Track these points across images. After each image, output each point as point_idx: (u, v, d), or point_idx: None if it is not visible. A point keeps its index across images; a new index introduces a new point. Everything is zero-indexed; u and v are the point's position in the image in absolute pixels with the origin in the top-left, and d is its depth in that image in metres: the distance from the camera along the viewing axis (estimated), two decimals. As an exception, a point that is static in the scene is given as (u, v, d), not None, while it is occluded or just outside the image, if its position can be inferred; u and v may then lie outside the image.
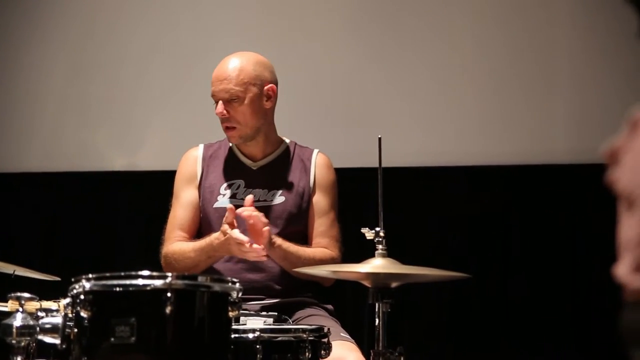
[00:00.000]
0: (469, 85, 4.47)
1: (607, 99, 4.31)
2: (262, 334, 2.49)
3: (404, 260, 2.67)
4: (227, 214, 3.08)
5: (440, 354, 4.39)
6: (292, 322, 3.06)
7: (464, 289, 4.24)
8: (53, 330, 2.29)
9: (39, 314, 2.35)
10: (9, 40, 4.77)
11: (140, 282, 2.20)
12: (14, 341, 2.27)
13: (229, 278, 2.33)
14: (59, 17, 4.76)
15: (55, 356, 2.39)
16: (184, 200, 3.35)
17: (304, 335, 2.54)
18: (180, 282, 2.20)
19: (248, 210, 3.05)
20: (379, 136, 2.77)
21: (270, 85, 3.30)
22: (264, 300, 3.21)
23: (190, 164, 3.39)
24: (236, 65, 3.27)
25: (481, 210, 4.41)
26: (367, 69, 4.53)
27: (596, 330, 4.21)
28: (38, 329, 2.29)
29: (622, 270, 1.01)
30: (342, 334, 3.07)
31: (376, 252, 2.64)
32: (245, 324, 2.59)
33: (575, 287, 4.31)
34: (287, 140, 3.43)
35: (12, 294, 2.34)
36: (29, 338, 2.29)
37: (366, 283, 2.63)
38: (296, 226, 3.30)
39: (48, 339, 2.30)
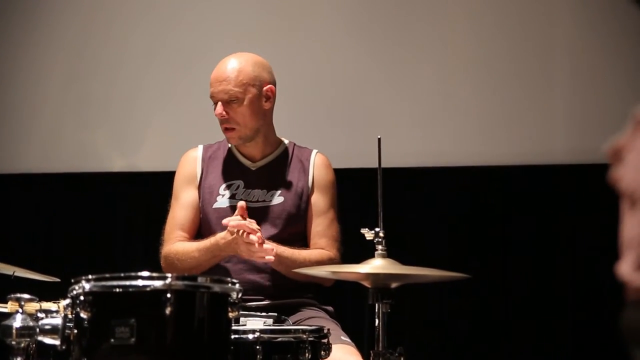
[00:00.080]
0: (469, 86, 4.47)
1: (607, 99, 4.31)
2: (262, 335, 2.48)
3: (403, 261, 2.66)
4: (236, 212, 3.08)
5: (440, 354, 4.39)
6: (292, 323, 3.05)
7: (463, 290, 4.23)
8: (53, 331, 2.29)
9: (39, 315, 2.35)
10: (7, 40, 4.77)
11: (140, 283, 2.20)
12: (13, 342, 2.27)
13: (229, 279, 2.32)
14: (58, 18, 4.76)
15: (55, 357, 2.39)
16: (184, 200, 3.35)
17: (304, 336, 2.54)
18: (180, 283, 2.20)
19: (235, 220, 3.06)
20: (379, 137, 2.77)
21: (269, 85, 3.30)
22: (264, 301, 3.21)
23: (189, 165, 3.39)
24: (235, 66, 3.27)
25: (481, 210, 4.41)
26: (367, 69, 4.53)
27: (597, 330, 4.21)
28: (38, 330, 2.29)
29: (625, 268, 1.00)
30: (342, 337, 3.06)
31: (376, 252, 2.64)
32: (245, 325, 2.59)
33: (575, 287, 4.31)
34: (286, 141, 3.43)
35: (12, 295, 2.34)
36: (28, 339, 2.29)
37: (366, 283, 2.63)
38: (295, 226, 3.30)
39: (48, 340, 2.30)
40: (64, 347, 2.28)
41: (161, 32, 4.69)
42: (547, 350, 4.29)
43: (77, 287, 2.23)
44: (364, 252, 2.69)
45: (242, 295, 2.32)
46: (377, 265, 2.61)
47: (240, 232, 3.05)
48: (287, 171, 3.35)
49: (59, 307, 2.41)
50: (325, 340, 2.58)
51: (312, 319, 3.17)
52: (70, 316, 2.26)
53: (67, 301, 2.27)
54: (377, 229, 2.65)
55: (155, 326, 2.17)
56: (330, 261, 3.24)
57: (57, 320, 2.29)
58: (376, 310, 2.60)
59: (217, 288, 2.26)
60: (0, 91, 4.78)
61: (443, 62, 4.49)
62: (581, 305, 4.29)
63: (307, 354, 2.51)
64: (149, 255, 3.57)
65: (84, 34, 4.73)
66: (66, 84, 4.73)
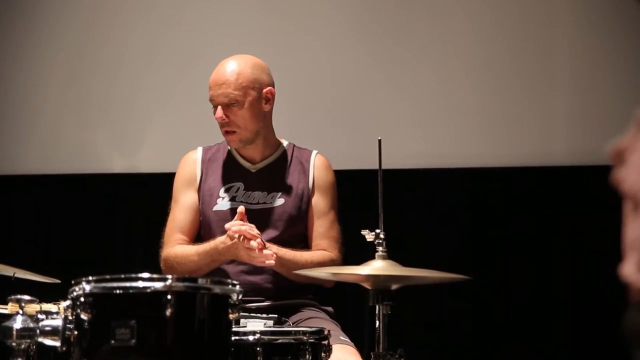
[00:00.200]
0: (470, 87, 4.47)
1: (608, 99, 4.31)
2: (262, 336, 2.48)
3: (404, 263, 2.66)
4: (236, 217, 3.08)
5: (440, 356, 4.39)
6: (292, 324, 3.05)
7: (464, 291, 4.23)
8: (53, 332, 2.28)
9: (39, 316, 2.34)
10: (7, 41, 4.77)
11: (140, 284, 2.20)
12: (14, 344, 2.26)
13: (229, 280, 2.32)
14: (58, 18, 4.75)
15: (56, 359, 2.38)
16: (184, 203, 3.35)
17: (304, 338, 2.54)
18: (180, 284, 2.20)
19: (236, 225, 3.06)
20: (379, 138, 2.77)
21: (268, 88, 3.30)
22: (264, 302, 3.20)
23: (189, 167, 3.39)
24: (234, 69, 3.26)
25: (482, 212, 4.41)
26: (368, 70, 4.53)
27: (597, 331, 4.21)
28: (38, 331, 2.28)
29: (628, 270, 1.00)
30: (341, 338, 3.06)
31: (376, 254, 2.64)
32: (245, 326, 2.59)
33: (576, 288, 4.31)
34: (285, 142, 3.42)
35: (12, 297, 2.34)
36: (29, 340, 2.28)
37: (366, 285, 2.62)
38: (296, 228, 3.29)
39: (48, 342, 2.30)
40: (64, 349, 2.27)
41: (161, 32, 4.69)
42: (547, 351, 4.29)
43: (77, 289, 2.22)
44: (365, 253, 2.69)
45: (242, 296, 2.32)
46: (377, 266, 2.60)
47: (241, 237, 3.05)
48: (287, 173, 3.35)
49: (59, 309, 2.40)
50: (325, 342, 2.58)
51: (311, 319, 3.17)
52: (70, 317, 2.25)
53: (68, 302, 2.27)
54: (377, 231, 2.65)
55: (155, 327, 2.17)
56: (331, 262, 3.24)
57: (58, 322, 2.29)
58: (376, 311, 2.59)
59: (217, 289, 2.26)
60: (0, 92, 4.78)
61: (443, 62, 4.49)
62: (582, 307, 4.28)
63: (307, 356, 2.51)
64: (149, 256, 3.57)
65: (84, 35, 4.73)
66: (66, 85, 4.73)
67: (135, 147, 4.69)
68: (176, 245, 3.29)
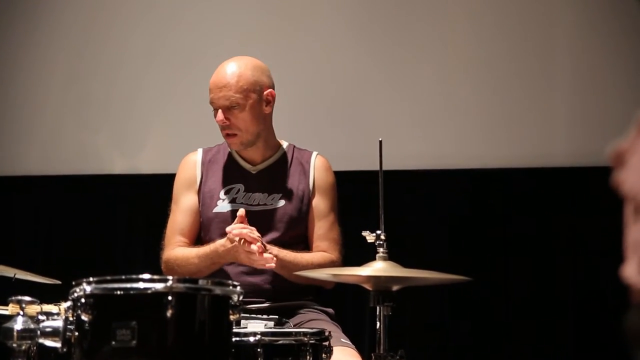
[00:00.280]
0: (470, 88, 4.46)
1: (608, 101, 4.31)
2: (263, 338, 2.48)
3: (405, 264, 2.66)
4: (236, 220, 3.08)
5: (441, 357, 4.39)
6: (293, 326, 3.05)
7: (464, 292, 4.23)
8: (54, 333, 2.28)
9: (40, 317, 2.34)
10: (8, 41, 4.77)
11: (141, 285, 2.20)
12: (14, 345, 2.26)
13: (230, 281, 2.32)
14: (58, 19, 4.75)
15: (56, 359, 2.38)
16: (184, 205, 3.35)
17: (305, 339, 2.54)
18: (181, 285, 2.20)
19: (237, 229, 3.06)
20: (380, 139, 2.76)
21: (269, 90, 3.30)
22: (265, 304, 3.20)
23: (189, 169, 3.39)
24: (234, 71, 3.25)
25: (482, 213, 4.41)
26: (368, 71, 4.53)
27: (597, 332, 4.21)
28: (39, 332, 2.28)
29: (630, 271, 1.00)
30: (342, 340, 3.06)
31: (377, 255, 2.63)
32: (246, 327, 2.59)
33: (576, 289, 4.31)
34: (285, 143, 3.42)
35: (13, 298, 2.34)
36: (29, 341, 2.28)
37: (367, 286, 2.62)
38: (297, 229, 3.29)
39: (49, 343, 2.30)
40: (64, 350, 2.27)
41: (161, 33, 4.68)
42: (548, 352, 4.29)
43: (78, 290, 2.22)
44: (365, 254, 2.69)
45: (243, 297, 2.32)
46: (378, 267, 2.60)
47: (241, 240, 3.05)
48: (288, 174, 3.35)
49: (60, 310, 2.40)
50: (326, 343, 2.58)
51: (312, 321, 3.17)
52: (71, 318, 2.26)
53: (68, 303, 2.27)
54: (378, 232, 2.65)
55: (156, 329, 2.17)
56: (332, 264, 3.23)
57: (58, 323, 2.29)
58: (377, 312, 2.59)
59: (218, 291, 2.26)
60: (0, 93, 4.78)
61: (443, 62, 4.49)
62: (582, 307, 4.28)
63: (308, 357, 2.51)
64: (150, 257, 3.57)
65: (84, 35, 4.73)
66: (66, 86, 4.73)
67: (136, 148, 4.68)
68: (177, 248, 3.29)
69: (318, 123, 4.52)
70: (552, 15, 4.45)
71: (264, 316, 2.80)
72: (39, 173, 4.70)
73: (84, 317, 2.19)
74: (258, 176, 3.34)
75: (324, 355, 2.56)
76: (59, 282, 3.08)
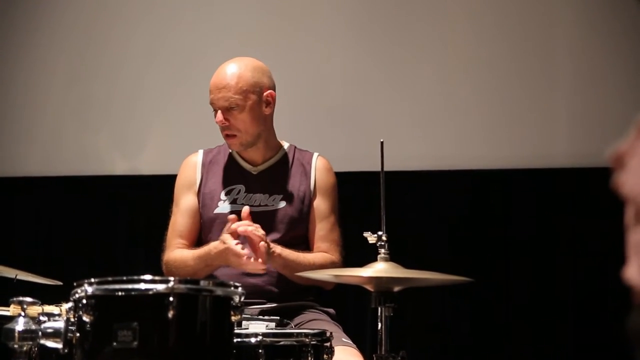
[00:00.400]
0: (471, 88, 4.46)
1: (609, 102, 4.31)
2: (264, 338, 2.48)
3: (406, 265, 2.66)
4: (228, 223, 3.08)
5: (442, 358, 4.38)
6: (294, 326, 3.05)
7: (465, 293, 4.23)
8: (55, 334, 2.28)
9: (41, 318, 2.34)
10: (8, 42, 4.77)
11: (142, 286, 2.20)
12: (16, 346, 2.26)
13: (231, 282, 2.32)
14: (59, 20, 4.75)
15: (57, 361, 2.38)
16: (183, 207, 3.35)
17: (307, 340, 2.54)
18: (182, 286, 2.20)
19: (243, 226, 3.06)
20: (381, 140, 2.77)
21: (269, 91, 3.30)
22: (265, 305, 3.21)
23: (189, 171, 3.39)
24: (234, 72, 3.26)
25: (483, 214, 4.41)
26: (369, 72, 4.53)
27: (598, 333, 4.21)
28: (40, 333, 2.28)
29: (632, 273, 1.00)
30: (343, 339, 3.06)
31: (378, 256, 2.64)
32: (247, 328, 2.59)
33: (576, 290, 4.31)
34: (286, 144, 3.42)
35: (14, 299, 2.34)
36: (31, 342, 2.28)
37: (369, 287, 2.63)
38: (297, 230, 3.30)
39: (50, 344, 2.30)
40: (66, 351, 2.27)
41: (162, 34, 4.68)
42: (548, 352, 4.28)
43: (79, 291, 2.22)
44: (367, 255, 2.69)
45: (243, 298, 2.32)
46: (379, 268, 2.61)
47: (234, 243, 3.06)
48: (289, 175, 3.35)
49: (61, 311, 2.40)
50: (327, 344, 2.58)
51: (313, 321, 3.17)
52: (72, 319, 2.25)
53: (70, 304, 2.27)
54: (379, 233, 2.65)
55: (157, 329, 2.17)
56: (332, 265, 3.24)
57: (60, 324, 2.29)
58: (379, 313, 2.60)
59: (219, 291, 2.26)
60: (1, 94, 4.78)
61: (443, 62, 4.49)
62: (582, 308, 4.28)
63: (309, 358, 2.51)
64: (151, 258, 3.57)
65: (85, 36, 4.73)
66: (67, 87, 4.73)
67: (137, 149, 4.68)
68: (175, 250, 3.30)
69: (318, 124, 4.51)
70: (552, 15, 4.45)
71: (265, 317, 2.80)
72: (39, 174, 4.70)
73: (85, 318, 2.19)
74: (259, 177, 3.34)
75: (325, 356, 2.56)
76: (60, 283, 3.09)
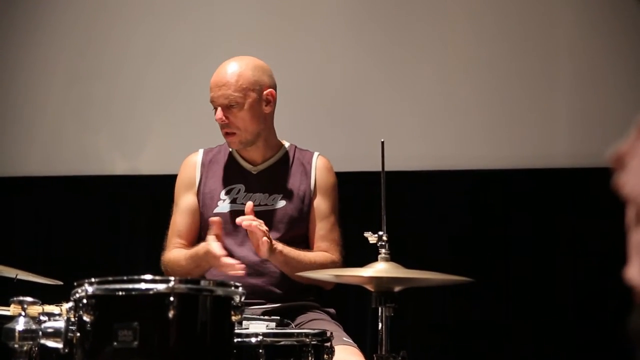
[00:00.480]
0: (472, 89, 4.47)
1: (609, 102, 4.31)
2: (265, 338, 2.48)
3: (407, 265, 2.66)
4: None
5: (443, 358, 4.39)
6: (295, 326, 3.05)
7: (466, 293, 4.23)
8: (55, 334, 2.28)
9: (42, 318, 2.34)
10: (8, 42, 4.77)
11: (142, 286, 2.20)
12: (16, 345, 2.26)
13: (232, 282, 2.32)
14: (59, 19, 4.76)
15: (58, 360, 2.38)
16: (183, 206, 3.35)
17: (307, 340, 2.53)
18: (183, 286, 2.20)
19: (247, 220, 3.06)
20: (382, 140, 2.77)
21: (269, 90, 3.30)
22: (266, 305, 3.21)
23: (189, 170, 3.39)
24: (235, 70, 3.26)
25: (484, 214, 4.41)
26: (370, 72, 4.53)
27: (598, 333, 4.21)
28: (40, 333, 2.28)
29: (633, 273, 1.01)
30: (344, 339, 3.06)
31: (379, 256, 2.64)
32: (248, 328, 2.59)
33: (576, 290, 4.31)
34: (287, 144, 3.42)
35: (15, 298, 2.33)
36: (31, 342, 2.28)
37: (369, 287, 2.62)
38: (297, 230, 3.30)
39: (50, 343, 2.30)
40: (66, 351, 2.27)
41: (162, 34, 4.69)
42: (548, 352, 4.29)
43: (79, 290, 2.22)
44: (367, 255, 2.69)
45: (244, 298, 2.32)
46: (380, 268, 2.61)
47: (215, 245, 3.06)
48: (289, 174, 3.35)
49: (61, 310, 2.40)
50: (328, 344, 2.58)
51: (314, 321, 3.17)
52: (73, 319, 2.25)
53: (70, 304, 2.27)
54: (380, 233, 2.65)
55: (158, 329, 2.17)
56: (333, 264, 3.24)
57: (60, 324, 2.29)
58: (379, 313, 2.60)
59: (220, 291, 2.26)
60: (1, 94, 4.78)
61: (443, 62, 4.49)
62: (582, 308, 4.29)
63: (310, 358, 2.51)
64: (151, 258, 3.57)
65: (86, 36, 4.74)
66: (67, 86, 4.73)
67: (137, 149, 4.69)
68: (173, 250, 3.31)
69: (318, 124, 4.52)
70: (552, 15, 4.45)
71: (266, 317, 2.80)
72: (39, 174, 4.71)
73: (86, 318, 2.19)
74: (259, 176, 3.34)
75: (325, 356, 2.56)
76: (60, 282, 3.09)
